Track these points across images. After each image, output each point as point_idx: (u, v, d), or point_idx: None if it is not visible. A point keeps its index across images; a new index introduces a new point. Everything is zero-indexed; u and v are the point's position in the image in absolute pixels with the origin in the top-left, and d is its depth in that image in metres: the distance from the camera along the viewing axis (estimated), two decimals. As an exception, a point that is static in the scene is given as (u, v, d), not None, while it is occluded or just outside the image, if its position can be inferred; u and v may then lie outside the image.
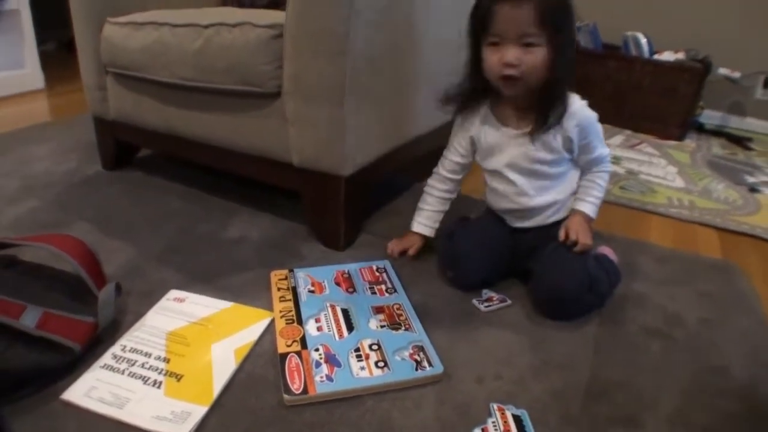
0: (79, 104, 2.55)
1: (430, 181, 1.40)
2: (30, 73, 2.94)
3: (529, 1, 1.06)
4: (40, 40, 3.01)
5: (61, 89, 2.99)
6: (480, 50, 1.16)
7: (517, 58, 1.10)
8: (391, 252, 1.39)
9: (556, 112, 1.17)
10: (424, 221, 1.39)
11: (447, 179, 1.38)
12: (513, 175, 1.26)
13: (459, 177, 1.39)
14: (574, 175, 1.30)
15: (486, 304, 1.23)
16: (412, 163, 1.73)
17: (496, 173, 1.29)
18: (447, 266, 1.32)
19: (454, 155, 1.36)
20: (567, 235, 1.22)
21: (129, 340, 1.05)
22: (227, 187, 1.74)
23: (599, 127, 1.24)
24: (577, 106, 1.19)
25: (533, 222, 1.30)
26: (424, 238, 1.39)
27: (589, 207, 1.27)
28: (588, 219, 1.26)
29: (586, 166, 1.28)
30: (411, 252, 1.38)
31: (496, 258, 1.30)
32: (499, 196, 1.31)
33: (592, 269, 1.23)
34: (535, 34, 1.09)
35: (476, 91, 1.26)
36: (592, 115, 1.22)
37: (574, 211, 1.27)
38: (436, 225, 1.40)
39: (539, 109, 1.18)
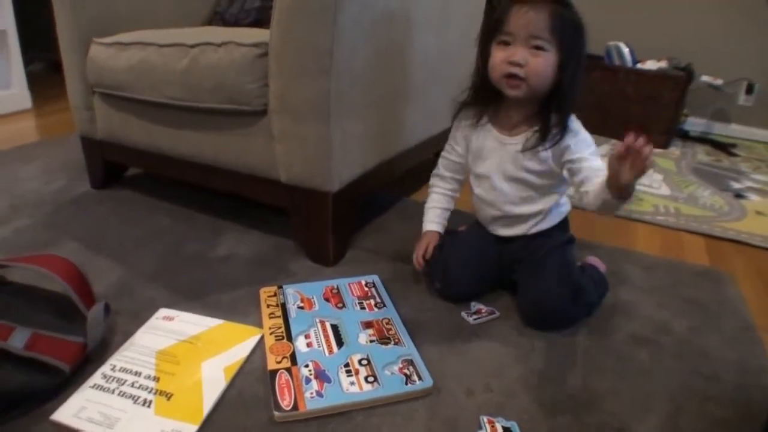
0: (67, 124, 2.55)
1: (432, 180, 1.42)
2: (17, 93, 2.93)
3: (547, 7, 1.09)
4: (27, 60, 3.00)
5: (49, 109, 2.98)
6: (488, 51, 1.18)
7: (523, 57, 1.12)
8: (419, 263, 1.34)
9: (555, 128, 1.17)
10: (435, 219, 1.39)
11: (447, 178, 1.39)
12: (499, 182, 1.26)
13: (459, 177, 1.39)
14: (560, 189, 1.29)
15: (475, 316, 1.24)
16: (400, 177, 1.75)
17: (483, 178, 1.29)
18: (435, 277, 1.32)
19: (451, 154, 1.37)
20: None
21: (118, 359, 1.05)
22: (216, 205, 1.74)
23: (593, 147, 1.20)
24: (576, 125, 1.19)
25: (517, 230, 1.30)
26: (439, 234, 1.38)
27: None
28: None
29: (588, 175, 1.16)
30: (430, 248, 1.34)
31: (484, 270, 1.31)
32: (485, 203, 1.31)
33: (577, 280, 1.24)
34: (546, 39, 1.11)
35: (479, 95, 1.27)
36: (587, 137, 1.20)
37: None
38: (446, 222, 1.40)
39: (539, 120, 1.19)
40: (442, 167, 1.39)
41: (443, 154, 1.39)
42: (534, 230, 1.29)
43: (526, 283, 1.24)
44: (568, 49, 1.12)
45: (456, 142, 1.35)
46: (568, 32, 1.11)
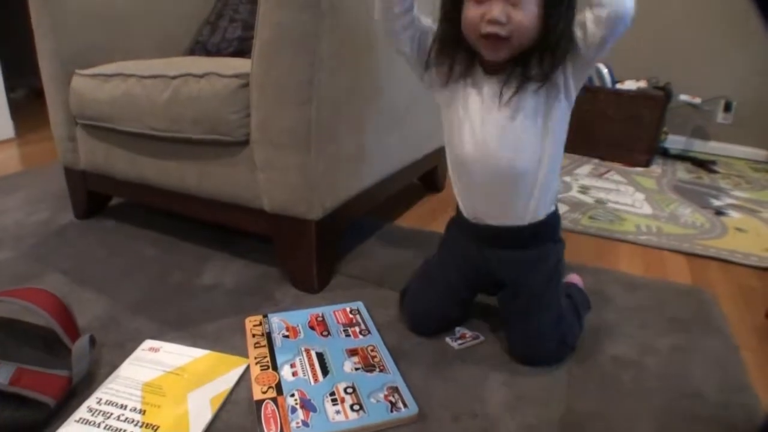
0: (51, 152, 2.55)
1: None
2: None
3: None
4: (9, 87, 2.98)
5: (32, 137, 2.98)
6: (459, 3, 1.02)
7: (503, 13, 0.96)
8: None
9: (537, 77, 1.03)
10: None
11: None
12: (483, 129, 1.09)
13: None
14: (552, 139, 1.11)
15: (459, 341, 1.24)
16: (383, 202, 1.76)
17: (465, 136, 1.12)
18: (406, 321, 1.30)
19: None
20: None
21: (104, 392, 1.05)
22: (200, 234, 1.74)
23: None
24: None
25: (509, 219, 1.16)
26: None
27: None
28: None
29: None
30: None
31: (455, 304, 1.28)
32: (472, 182, 1.16)
33: (563, 324, 1.20)
34: None
35: (447, 50, 1.10)
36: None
37: None
38: None
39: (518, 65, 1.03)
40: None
41: None
42: (527, 218, 1.15)
43: (516, 328, 1.20)
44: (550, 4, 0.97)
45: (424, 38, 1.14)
46: None
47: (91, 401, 1.02)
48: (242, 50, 1.88)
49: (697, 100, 3.06)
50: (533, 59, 1.02)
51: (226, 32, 1.96)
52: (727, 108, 3.12)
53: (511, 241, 1.18)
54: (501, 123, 1.08)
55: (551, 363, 1.20)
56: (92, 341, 1.11)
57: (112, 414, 0.99)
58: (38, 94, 3.62)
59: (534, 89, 1.04)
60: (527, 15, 0.97)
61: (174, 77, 1.40)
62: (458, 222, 1.27)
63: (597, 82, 2.98)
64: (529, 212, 1.15)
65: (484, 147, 1.10)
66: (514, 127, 1.07)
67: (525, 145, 1.09)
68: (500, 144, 1.09)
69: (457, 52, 1.09)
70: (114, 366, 1.13)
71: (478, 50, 1.05)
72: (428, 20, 1.14)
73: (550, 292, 1.19)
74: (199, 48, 2.00)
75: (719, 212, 2.22)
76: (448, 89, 1.15)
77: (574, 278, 1.40)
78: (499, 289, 1.23)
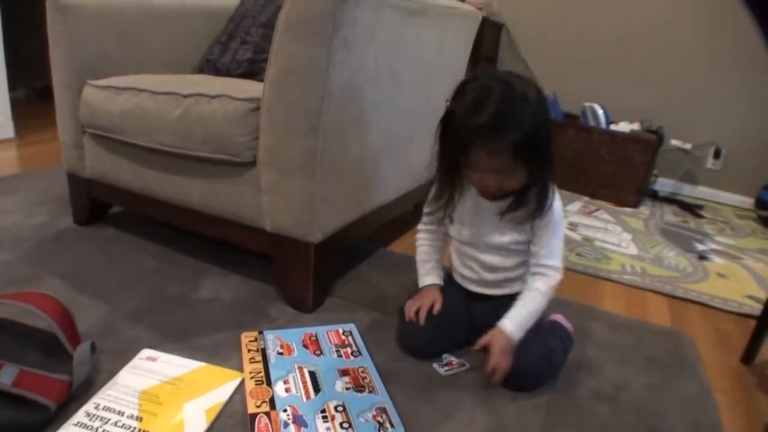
0: (51, 154, 2.56)
1: (418, 236, 1.45)
2: (0, 121, 2.90)
3: (505, 144, 1.10)
4: (10, 86, 2.93)
5: (32, 139, 2.98)
6: (456, 158, 1.21)
7: (496, 182, 1.18)
8: (411, 317, 1.33)
9: (533, 203, 1.22)
10: (432, 271, 1.41)
11: (432, 230, 1.42)
12: (480, 251, 1.31)
13: (443, 228, 1.40)
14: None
15: (446, 368, 1.29)
16: (379, 228, 1.81)
17: (465, 245, 1.34)
18: (402, 341, 1.36)
19: (433, 223, 1.42)
20: (487, 360, 1.20)
21: (102, 398, 1.08)
22: (199, 247, 1.78)
23: (562, 232, 1.28)
24: (556, 208, 1.25)
25: (489, 290, 1.35)
26: (440, 288, 1.39)
27: (511, 328, 1.22)
28: (512, 340, 1.22)
29: (531, 259, 1.29)
30: (437, 307, 1.34)
31: (451, 332, 1.34)
32: (466, 257, 1.35)
33: (549, 342, 1.29)
34: (513, 165, 1.14)
35: (448, 185, 1.29)
36: (560, 221, 1.27)
37: (498, 329, 1.22)
38: (442, 273, 1.42)
39: (518, 197, 1.23)
40: (426, 221, 1.43)
41: (425, 209, 1.41)
42: (505, 291, 1.35)
43: None
44: (534, 162, 1.15)
45: (433, 215, 1.40)
46: (532, 146, 1.12)
47: (89, 406, 1.05)
48: (252, 72, 1.93)
49: (688, 146, 3.14)
50: (528, 193, 1.22)
51: (237, 53, 2.01)
52: (717, 155, 3.19)
53: (491, 299, 1.35)
54: (492, 232, 1.29)
55: (538, 384, 1.26)
56: (93, 347, 1.14)
57: (109, 420, 1.02)
58: (40, 95, 3.60)
59: (523, 216, 1.24)
60: (518, 178, 1.18)
61: (186, 96, 1.45)
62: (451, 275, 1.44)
63: (592, 122, 3.05)
64: (504, 291, 1.36)
65: (478, 236, 1.32)
66: (502, 238, 1.29)
67: (508, 252, 1.31)
68: (497, 240, 1.30)
69: (452, 195, 1.30)
70: (112, 373, 1.16)
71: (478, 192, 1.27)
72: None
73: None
74: (209, 66, 2.05)
75: (702, 257, 2.28)
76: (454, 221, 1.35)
77: (558, 317, 1.45)
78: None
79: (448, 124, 1.17)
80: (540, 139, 1.13)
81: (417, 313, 1.33)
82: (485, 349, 1.20)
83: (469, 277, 1.37)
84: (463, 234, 1.33)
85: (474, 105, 1.11)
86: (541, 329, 1.28)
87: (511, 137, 1.09)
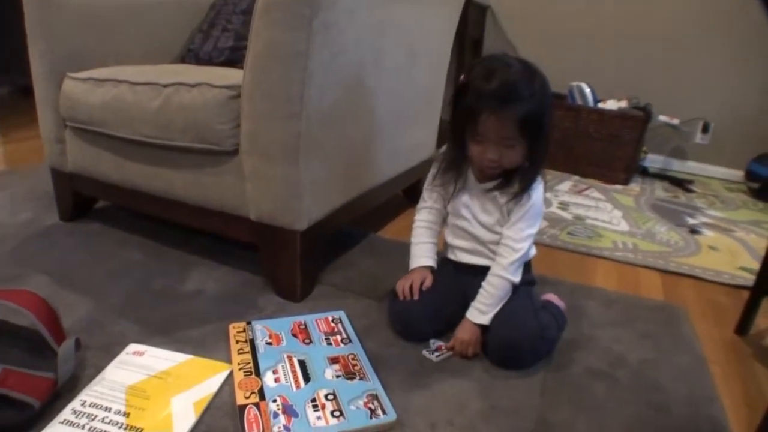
0: (35, 152, 2.54)
1: (417, 216, 1.44)
2: (-18, 119, 2.87)
3: (513, 113, 1.15)
4: None
5: (16, 136, 2.95)
6: (464, 131, 1.24)
7: (496, 154, 1.20)
8: (405, 293, 1.35)
9: (518, 185, 1.26)
10: (426, 253, 1.42)
11: (431, 209, 1.42)
12: (475, 210, 1.33)
13: (440, 206, 1.41)
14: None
15: (436, 353, 1.27)
16: (368, 213, 1.79)
17: (459, 210, 1.35)
18: (395, 321, 1.36)
19: (432, 191, 1.41)
20: (455, 346, 1.28)
21: (88, 394, 1.06)
22: (185, 239, 1.76)
23: (533, 229, 1.30)
24: (536, 196, 1.27)
25: (481, 260, 1.34)
26: (432, 269, 1.41)
27: (478, 316, 1.28)
28: (479, 327, 1.28)
29: (502, 245, 1.31)
30: (427, 283, 1.37)
31: (443, 313, 1.34)
32: (459, 229, 1.36)
33: (540, 318, 1.29)
34: (516, 137, 1.18)
35: (454, 163, 1.33)
36: (537, 213, 1.29)
37: (465, 319, 1.30)
38: (435, 256, 1.43)
39: (507, 176, 1.28)
40: (426, 198, 1.43)
41: (425, 187, 1.42)
42: None
43: (497, 327, 1.26)
44: (535, 138, 1.20)
45: (438, 196, 1.41)
46: (536, 122, 1.17)
47: (75, 403, 1.04)
48: (233, 60, 1.91)
49: (676, 121, 3.12)
50: (515, 177, 1.27)
51: (218, 41, 1.98)
52: (705, 129, 3.18)
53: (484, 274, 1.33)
54: (483, 209, 1.33)
55: (534, 360, 1.27)
56: (78, 344, 1.13)
57: (96, 416, 1.01)
58: (23, 92, 3.57)
59: (509, 196, 1.28)
60: (516, 154, 1.22)
61: (166, 85, 1.43)
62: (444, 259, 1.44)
63: (579, 101, 3.03)
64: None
65: (472, 219, 1.34)
66: (492, 210, 1.32)
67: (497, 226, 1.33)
68: (483, 218, 1.33)
69: (460, 169, 1.33)
70: (98, 369, 1.14)
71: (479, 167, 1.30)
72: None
73: (525, 293, 1.32)
74: (191, 56, 2.02)
75: (694, 230, 2.27)
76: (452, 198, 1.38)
77: (551, 297, 1.44)
78: None
79: (460, 97, 1.22)
80: (544, 117, 1.19)
81: (410, 290, 1.34)
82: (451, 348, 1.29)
83: (459, 246, 1.37)
84: (455, 206, 1.36)
85: (486, 75, 1.16)
86: (533, 306, 1.30)
87: (519, 106, 1.15)
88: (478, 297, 1.29)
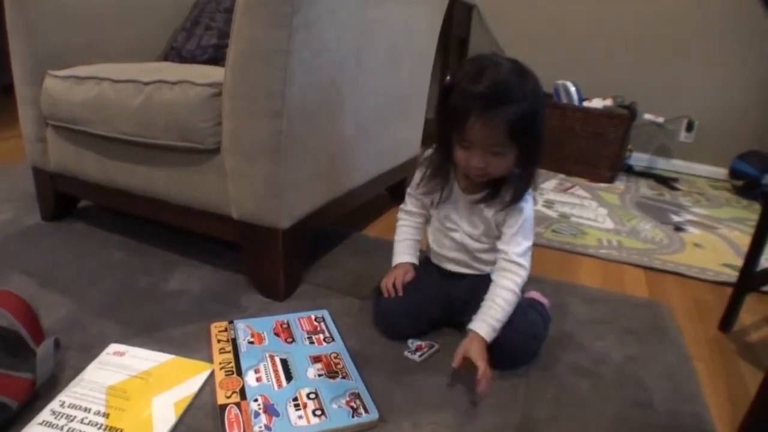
0: (16, 151, 2.51)
1: (399, 214, 1.43)
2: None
3: (501, 118, 1.08)
4: None
5: (-2, 135, 2.93)
6: (449, 137, 1.18)
7: (483, 161, 1.14)
8: (389, 290, 1.32)
9: (507, 195, 1.21)
10: (407, 250, 1.40)
11: (414, 213, 1.41)
12: (461, 222, 1.29)
13: (425, 212, 1.39)
14: None
15: (418, 353, 1.26)
16: (351, 213, 1.78)
17: (444, 220, 1.33)
18: (378, 320, 1.35)
19: (415, 196, 1.38)
20: (464, 363, 1.15)
21: (68, 395, 1.05)
22: (168, 238, 1.74)
23: (531, 237, 1.25)
24: (527, 208, 1.23)
25: (465, 269, 1.34)
26: (413, 266, 1.39)
27: (487, 330, 1.17)
28: (486, 343, 1.17)
29: (499, 255, 1.26)
30: (409, 276, 1.35)
31: (427, 312, 1.33)
32: (444, 237, 1.33)
33: (530, 316, 1.28)
34: (504, 144, 1.12)
35: (440, 170, 1.28)
36: (528, 224, 1.24)
37: (472, 333, 1.18)
38: (418, 254, 1.41)
39: (495, 186, 1.22)
40: (409, 203, 1.41)
41: (409, 191, 1.40)
42: (486, 270, 1.33)
43: None
44: (525, 145, 1.14)
45: (422, 200, 1.38)
46: (525, 129, 1.11)
47: (54, 404, 1.03)
48: (216, 58, 1.90)
49: (661, 120, 3.14)
50: (504, 188, 1.22)
51: (201, 39, 1.97)
52: (690, 127, 3.21)
53: (468, 278, 1.33)
54: (469, 221, 1.29)
55: (525, 354, 1.26)
56: (57, 344, 1.12)
57: (75, 417, 1.00)
58: (4, 90, 3.53)
59: (497, 208, 1.24)
60: (505, 162, 1.16)
61: (147, 83, 1.41)
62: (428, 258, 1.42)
63: (565, 100, 3.04)
64: (485, 269, 1.34)
65: (458, 230, 1.31)
66: (478, 223, 1.29)
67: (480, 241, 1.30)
68: (468, 230, 1.30)
69: (446, 176, 1.28)
70: (78, 369, 1.13)
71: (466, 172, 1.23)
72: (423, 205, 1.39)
73: None
74: (174, 54, 2.01)
75: (678, 228, 2.28)
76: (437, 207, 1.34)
77: (534, 294, 1.44)
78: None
79: (446, 99, 1.15)
80: (535, 121, 1.12)
81: (394, 286, 1.33)
82: (462, 361, 1.15)
83: (445, 255, 1.35)
84: (440, 215, 1.33)
85: (474, 75, 1.10)
86: (520, 305, 1.26)
87: (509, 110, 1.08)
88: (490, 312, 1.19)
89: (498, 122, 1.08)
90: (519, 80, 1.10)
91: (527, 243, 1.24)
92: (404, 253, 1.40)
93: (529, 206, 1.23)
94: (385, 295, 1.33)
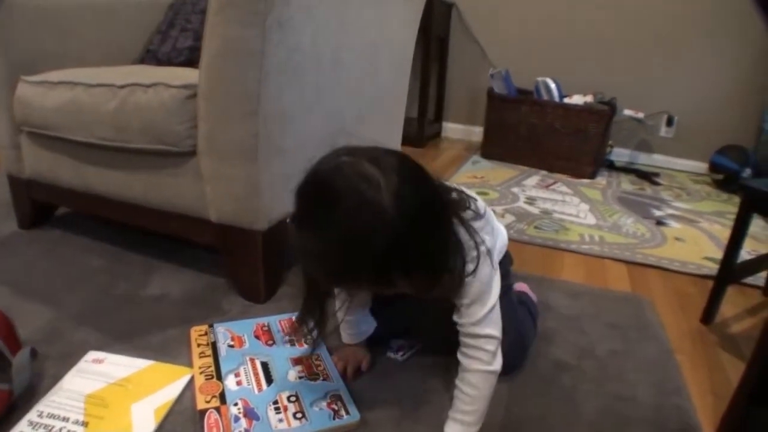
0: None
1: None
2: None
3: (350, 274, 0.84)
4: None
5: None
6: None
7: (381, 293, 1.07)
8: (348, 375, 1.15)
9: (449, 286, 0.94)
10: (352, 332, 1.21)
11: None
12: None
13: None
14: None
15: (401, 353, 1.25)
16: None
17: None
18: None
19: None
20: None
21: (46, 405, 1.03)
22: (147, 244, 1.73)
23: (494, 299, 0.98)
24: (482, 275, 0.95)
25: None
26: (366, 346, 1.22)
27: (459, 429, 0.98)
28: None
29: (465, 335, 0.99)
30: (365, 366, 1.19)
31: (401, 322, 1.29)
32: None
33: (521, 327, 1.24)
34: (381, 282, 0.85)
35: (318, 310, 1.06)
36: (489, 290, 0.98)
37: None
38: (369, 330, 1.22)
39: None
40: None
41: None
42: None
43: None
44: (417, 272, 0.85)
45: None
46: (403, 263, 0.82)
47: (31, 414, 1.01)
48: (193, 60, 1.88)
49: (641, 115, 3.16)
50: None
51: (177, 42, 1.95)
52: (669, 123, 3.23)
53: None
54: None
55: (511, 366, 1.16)
56: (33, 353, 1.10)
57: (53, 427, 0.98)
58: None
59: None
60: (409, 285, 0.86)
61: (121, 87, 1.39)
62: None
63: (545, 96, 3.05)
64: None
65: None
66: None
67: None
68: None
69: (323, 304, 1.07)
70: (57, 378, 1.11)
71: None
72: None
73: (505, 301, 1.11)
74: (150, 57, 1.99)
75: (660, 222, 2.29)
76: None
77: (522, 287, 1.43)
78: None
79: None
80: (410, 250, 0.81)
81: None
82: None
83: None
84: None
85: (303, 222, 0.88)
86: (513, 313, 1.15)
87: (355, 264, 0.81)
88: (458, 405, 0.98)
89: (348, 276, 0.85)
90: (365, 220, 0.79)
91: (488, 306, 0.96)
92: (351, 335, 1.21)
93: (483, 271, 0.95)
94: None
